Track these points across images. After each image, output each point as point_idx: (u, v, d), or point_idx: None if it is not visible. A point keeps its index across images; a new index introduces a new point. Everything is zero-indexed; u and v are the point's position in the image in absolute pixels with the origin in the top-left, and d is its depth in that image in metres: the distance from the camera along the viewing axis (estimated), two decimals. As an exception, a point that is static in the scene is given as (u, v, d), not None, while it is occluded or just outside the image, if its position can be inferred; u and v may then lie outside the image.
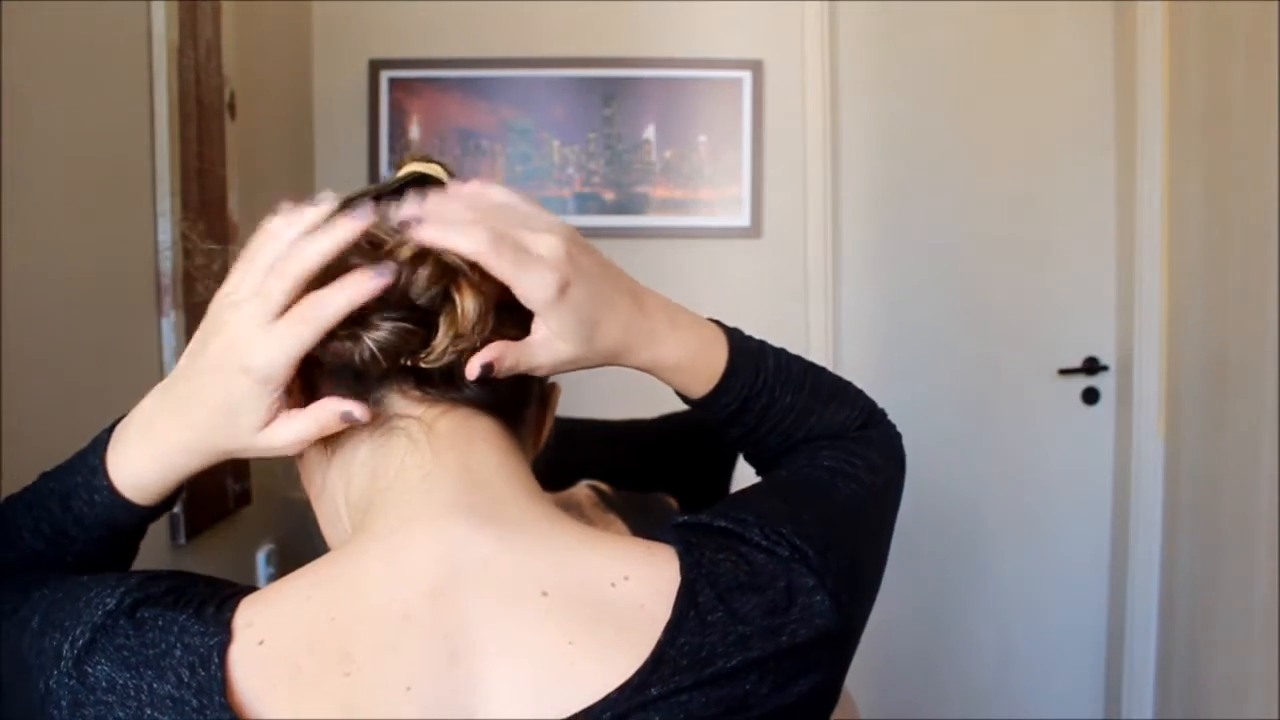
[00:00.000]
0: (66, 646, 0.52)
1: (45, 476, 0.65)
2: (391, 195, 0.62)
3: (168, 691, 0.50)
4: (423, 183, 0.65)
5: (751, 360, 0.68)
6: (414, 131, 2.38)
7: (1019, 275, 2.50)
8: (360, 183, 2.39)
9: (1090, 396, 2.50)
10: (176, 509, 1.50)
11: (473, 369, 0.56)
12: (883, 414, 0.75)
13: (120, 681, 0.50)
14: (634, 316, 0.62)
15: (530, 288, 0.56)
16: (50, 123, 1.19)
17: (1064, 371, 2.49)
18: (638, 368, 0.64)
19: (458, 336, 0.56)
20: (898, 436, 0.74)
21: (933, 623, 2.55)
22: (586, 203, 2.40)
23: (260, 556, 1.86)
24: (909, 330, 2.51)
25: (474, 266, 0.57)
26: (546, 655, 0.52)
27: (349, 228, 0.54)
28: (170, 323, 1.48)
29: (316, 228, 0.55)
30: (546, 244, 0.56)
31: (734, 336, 0.68)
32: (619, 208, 2.40)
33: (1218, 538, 2.05)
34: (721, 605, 0.54)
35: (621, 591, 0.54)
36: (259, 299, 0.54)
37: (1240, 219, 1.97)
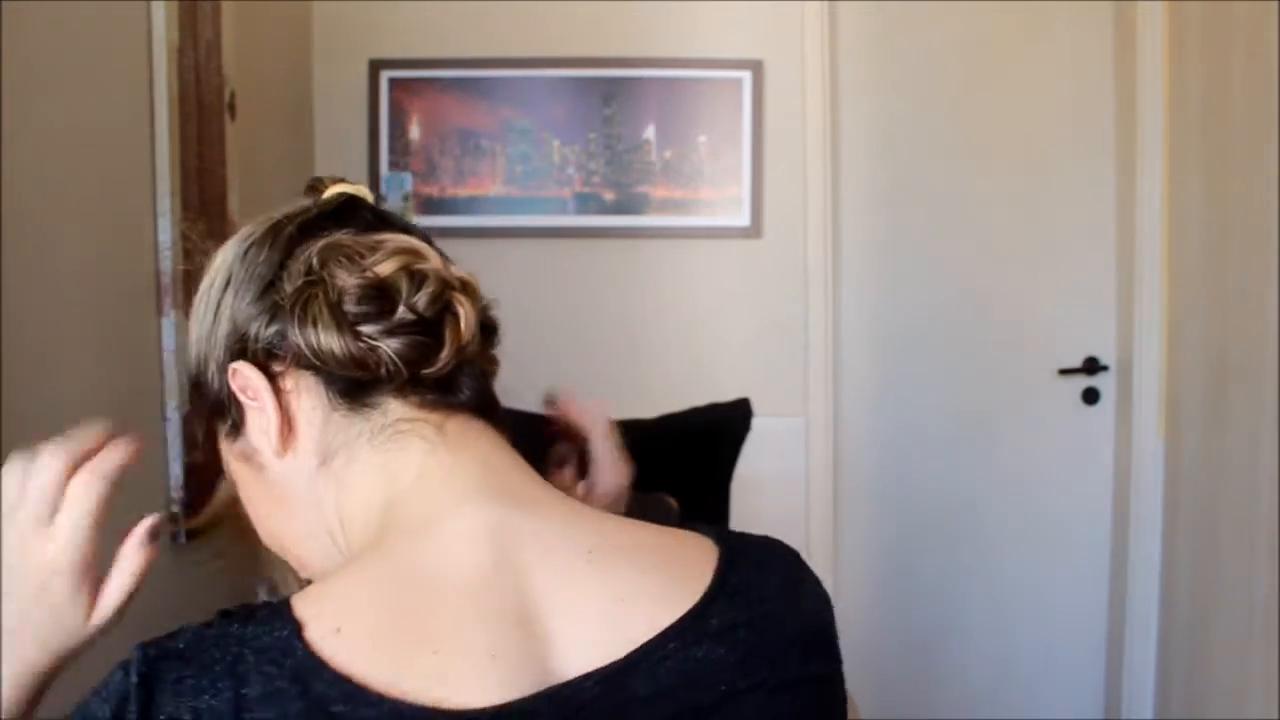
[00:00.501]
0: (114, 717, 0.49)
1: None
2: (331, 214, 0.65)
3: (257, 693, 0.48)
4: (353, 204, 0.67)
5: None
6: (414, 131, 2.38)
7: (1019, 275, 2.50)
8: (360, 183, 2.38)
9: (1090, 396, 2.50)
10: (176, 508, 1.51)
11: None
12: None
13: (201, 706, 0.48)
14: None
15: (616, 475, 0.87)
16: (50, 123, 1.19)
17: (1064, 371, 2.49)
18: None
19: (461, 346, 0.60)
20: None
21: (932, 622, 2.55)
22: (586, 203, 2.40)
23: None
24: (909, 330, 2.51)
25: (463, 283, 0.62)
26: (601, 605, 0.56)
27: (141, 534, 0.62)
28: (170, 323, 1.48)
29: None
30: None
31: None
32: (619, 208, 2.40)
33: (1218, 538, 2.05)
34: (757, 571, 0.60)
35: (659, 552, 0.60)
36: (28, 508, 0.59)
37: (1240, 219, 1.97)
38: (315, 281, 0.58)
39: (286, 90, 2.23)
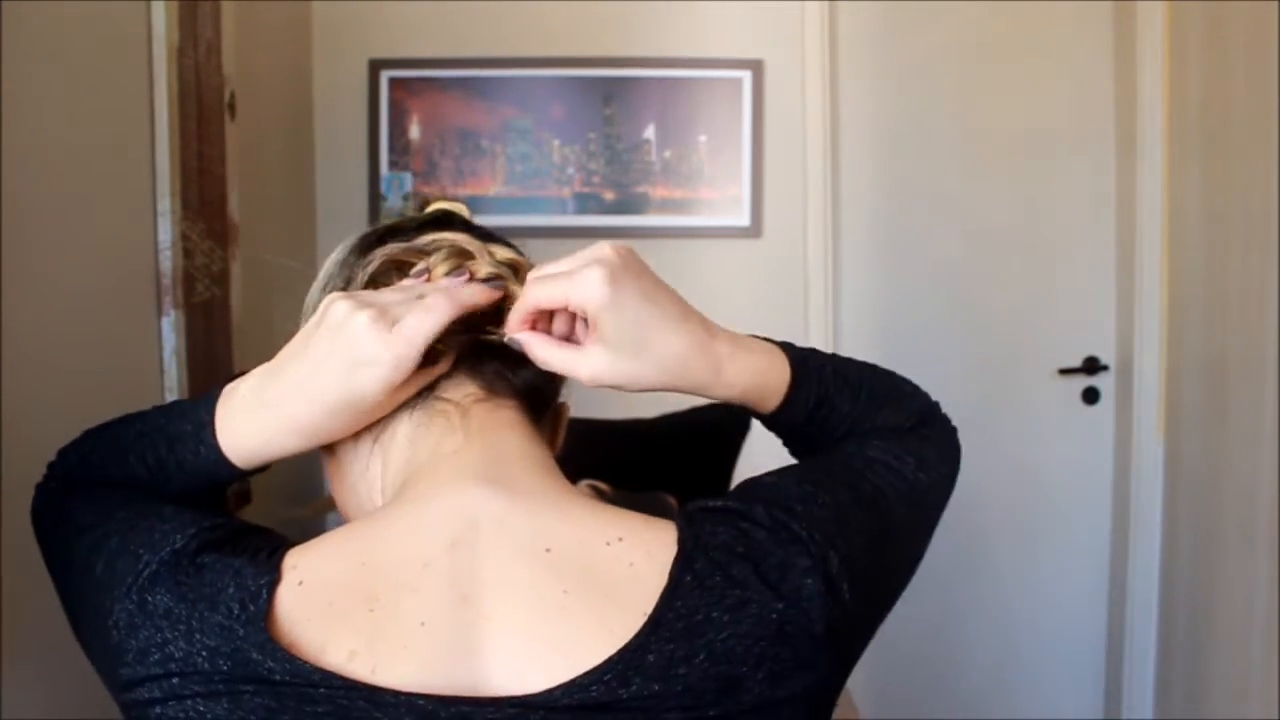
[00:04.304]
0: (132, 576, 0.58)
1: (158, 411, 0.71)
2: (421, 227, 0.71)
3: (218, 620, 0.55)
4: (448, 219, 0.73)
5: (812, 371, 0.70)
6: (414, 131, 2.38)
7: (1019, 275, 2.50)
8: (360, 183, 2.39)
9: (1090, 396, 2.50)
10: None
11: (511, 326, 0.64)
12: (937, 409, 0.77)
13: (176, 611, 0.56)
14: (702, 337, 0.64)
15: (580, 288, 0.60)
16: (50, 123, 1.19)
17: (1064, 371, 2.49)
18: (698, 385, 0.65)
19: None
20: (953, 433, 0.76)
21: (932, 622, 2.55)
22: (586, 203, 2.40)
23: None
24: (909, 330, 2.51)
25: (514, 269, 0.67)
26: (544, 602, 0.56)
27: (491, 294, 0.65)
28: (170, 322, 1.48)
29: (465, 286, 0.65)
30: (593, 251, 0.61)
31: (790, 350, 0.70)
32: (619, 208, 2.40)
33: (1218, 538, 2.05)
34: (719, 571, 0.57)
35: (614, 550, 0.58)
36: (415, 308, 0.61)
37: (1240, 219, 1.97)
38: (373, 283, 0.67)
39: (286, 90, 2.23)
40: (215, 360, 1.65)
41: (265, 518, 1.85)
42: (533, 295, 0.62)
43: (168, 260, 1.47)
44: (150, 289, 1.46)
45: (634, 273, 0.61)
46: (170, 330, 1.48)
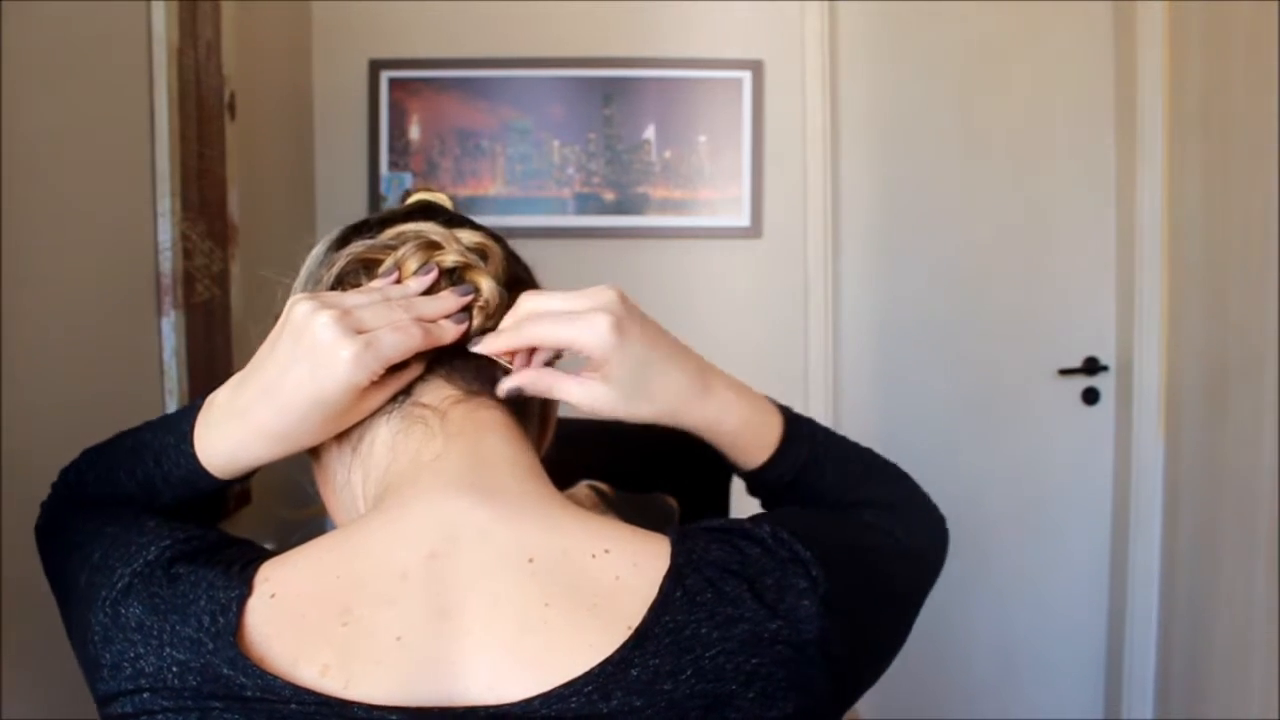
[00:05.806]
0: (107, 589, 0.58)
1: (149, 426, 0.71)
2: (403, 218, 0.70)
3: (188, 634, 0.54)
4: (429, 209, 0.72)
5: (805, 432, 0.71)
6: (414, 131, 2.38)
7: (1019, 275, 2.50)
8: (360, 183, 2.39)
9: (1090, 396, 2.50)
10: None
11: (503, 389, 0.64)
12: (924, 496, 0.79)
13: (148, 623, 0.55)
14: (696, 377, 0.66)
15: (587, 334, 0.61)
16: (50, 123, 1.19)
17: (1064, 371, 2.49)
18: (693, 426, 0.67)
19: (488, 317, 0.65)
20: (942, 520, 0.78)
21: (933, 622, 2.53)
22: (586, 203, 2.40)
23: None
24: (909, 330, 2.51)
25: (482, 255, 0.68)
26: (524, 615, 0.54)
27: (461, 301, 0.65)
28: (170, 323, 1.48)
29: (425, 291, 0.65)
30: (596, 296, 0.63)
31: (785, 411, 0.71)
32: (619, 208, 2.40)
33: (1218, 538, 2.05)
34: (711, 587, 0.55)
35: (600, 562, 0.57)
36: (384, 308, 0.62)
37: (1240, 219, 1.97)
38: (340, 284, 0.67)
39: (286, 90, 2.23)
40: (215, 360, 1.65)
41: (266, 519, 1.85)
42: (536, 334, 0.62)
43: (168, 260, 1.47)
44: (150, 289, 1.46)
45: (636, 318, 0.63)
46: (170, 330, 1.48)
